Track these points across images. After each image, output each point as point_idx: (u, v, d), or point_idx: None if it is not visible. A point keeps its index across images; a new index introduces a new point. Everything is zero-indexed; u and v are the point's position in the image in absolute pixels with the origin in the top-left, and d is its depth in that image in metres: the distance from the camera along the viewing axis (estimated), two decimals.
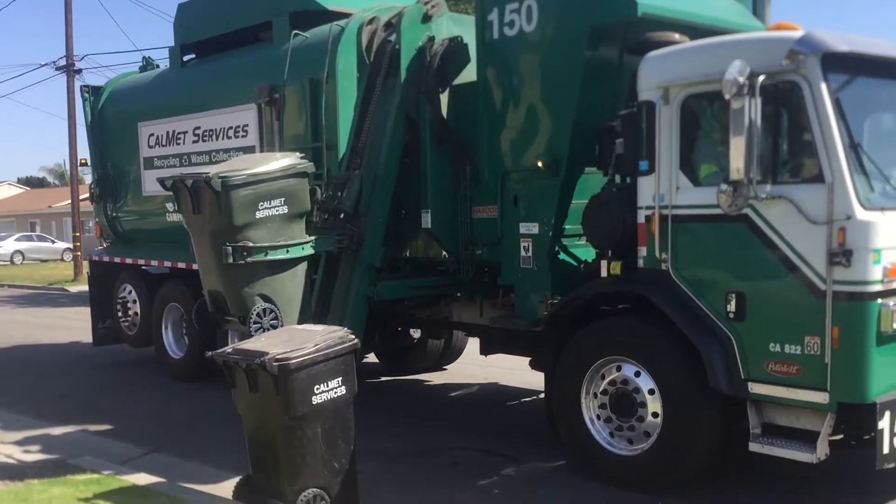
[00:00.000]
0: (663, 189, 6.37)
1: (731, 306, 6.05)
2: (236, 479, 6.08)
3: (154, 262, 11.69)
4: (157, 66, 12.80)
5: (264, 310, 6.83)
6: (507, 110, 7.71)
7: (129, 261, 12.24)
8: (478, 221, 8.09)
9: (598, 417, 6.85)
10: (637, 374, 6.57)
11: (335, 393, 5.72)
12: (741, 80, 5.65)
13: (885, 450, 5.61)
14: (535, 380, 8.14)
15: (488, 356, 9.12)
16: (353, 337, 5.96)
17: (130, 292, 12.35)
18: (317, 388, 5.62)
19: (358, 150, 8.30)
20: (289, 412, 5.54)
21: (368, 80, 8.33)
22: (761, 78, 5.67)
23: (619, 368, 6.68)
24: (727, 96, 5.69)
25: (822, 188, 5.60)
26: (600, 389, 6.80)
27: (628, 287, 6.64)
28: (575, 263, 7.68)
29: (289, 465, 5.66)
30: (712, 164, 6.31)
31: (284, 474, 5.67)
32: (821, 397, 5.68)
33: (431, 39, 8.31)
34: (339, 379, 5.75)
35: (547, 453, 7.60)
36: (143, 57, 13.20)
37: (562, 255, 7.63)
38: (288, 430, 5.60)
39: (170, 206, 11.35)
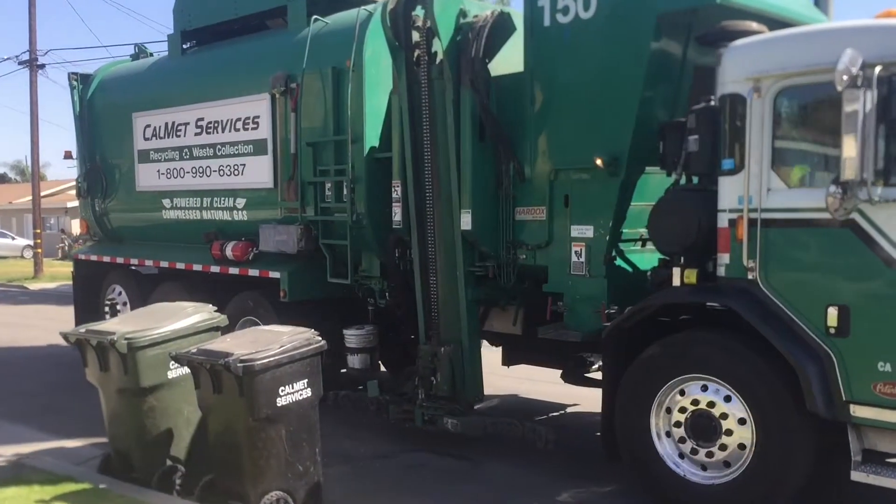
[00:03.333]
0: (752, 190, 5.68)
1: (833, 320, 5.35)
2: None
3: (149, 262, 10.75)
4: (151, 55, 11.89)
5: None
6: (560, 103, 6.93)
7: (120, 260, 11.28)
8: (521, 224, 7.30)
9: (668, 435, 6.13)
10: (728, 399, 5.80)
11: (300, 395, 5.70)
12: (854, 70, 4.99)
13: None
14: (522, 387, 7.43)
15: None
16: (320, 339, 5.90)
17: (120, 294, 11.38)
18: (282, 390, 5.58)
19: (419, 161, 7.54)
20: (253, 414, 5.48)
21: (408, 71, 7.54)
22: (877, 69, 5.01)
23: (704, 388, 5.91)
24: (839, 88, 5.01)
25: None
26: (677, 407, 6.06)
27: (711, 298, 5.91)
28: (630, 270, 7.01)
29: (252, 468, 5.58)
30: (811, 163, 5.63)
31: (248, 476, 5.59)
32: None
33: (465, 15, 7.51)
34: (305, 381, 5.73)
35: (513, 459, 7.43)
36: (135, 45, 12.29)
37: (618, 262, 6.93)
38: (252, 431, 5.54)
39: (166, 202, 10.51)
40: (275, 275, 8.89)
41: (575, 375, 8.21)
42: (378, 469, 7.42)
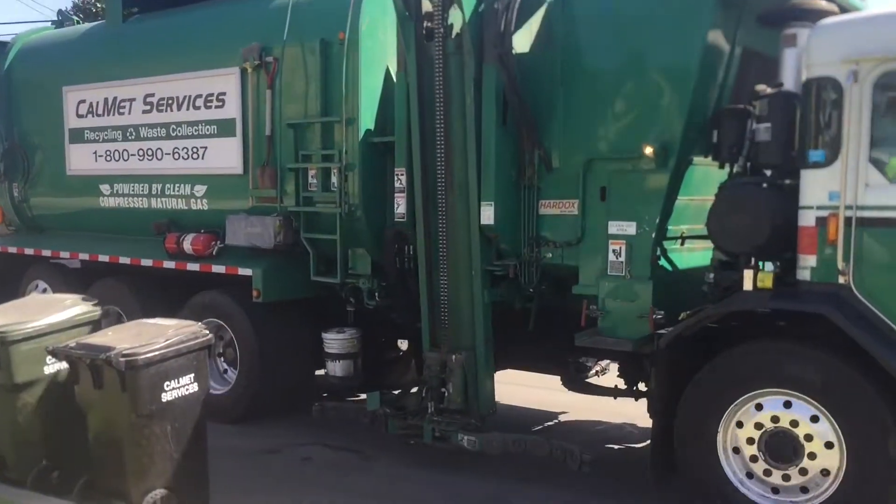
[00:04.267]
0: (847, 185, 5.01)
1: None
2: None
3: (84, 256, 9.33)
4: (79, 22, 10.44)
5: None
6: (597, 85, 6.09)
7: (46, 252, 9.80)
8: (547, 218, 6.41)
9: (737, 451, 5.41)
10: (815, 419, 5.12)
11: (186, 390, 5.50)
12: None
13: None
14: None
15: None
16: (208, 332, 5.72)
17: (45, 290, 9.89)
18: (167, 385, 5.38)
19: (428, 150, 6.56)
20: (136, 410, 5.24)
21: (417, 45, 6.55)
22: None
23: (788, 405, 5.20)
24: None
25: None
26: (752, 422, 5.33)
27: (802, 305, 5.17)
28: (670, 270, 6.26)
29: (135, 465, 5.33)
30: None
31: (130, 474, 5.33)
32: None
33: None
34: (192, 375, 5.52)
35: (405, 453, 7.05)
36: (59, 11, 10.80)
37: (661, 261, 6.18)
38: (135, 428, 5.29)
39: (105, 188, 9.15)
40: (245, 272, 7.73)
41: (577, 382, 7.43)
42: (266, 463, 7.08)
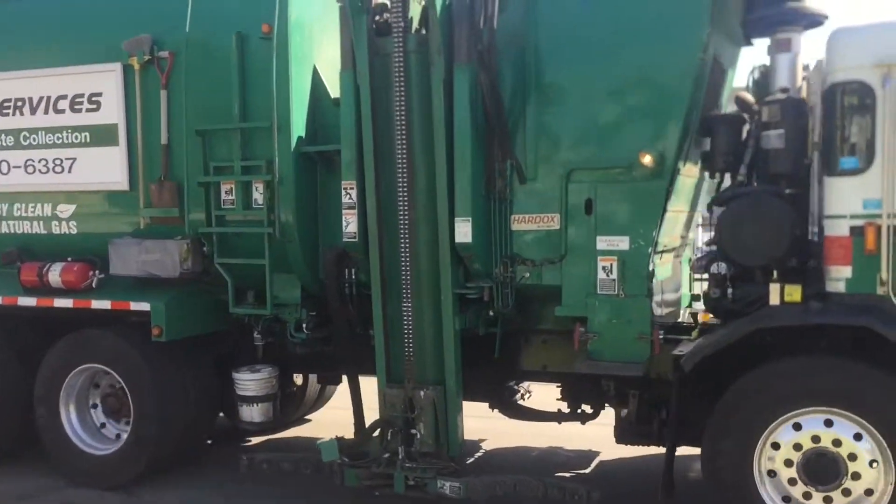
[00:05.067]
0: (882, 193, 4.71)
1: None
2: None
3: None
4: None
5: None
6: (580, 88, 5.47)
7: None
8: (522, 234, 5.69)
9: (772, 475, 4.96)
10: (858, 437, 4.77)
11: None
12: None
13: None
14: None
15: None
16: None
17: None
18: None
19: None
20: None
21: (369, 41, 5.57)
22: None
23: (829, 424, 4.82)
24: None
25: None
26: (791, 443, 4.89)
27: (846, 319, 4.78)
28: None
29: None
30: None
31: None
32: None
33: None
34: None
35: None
36: None
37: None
38: None
39: None
40: (141, 306, 6.30)
41: (514, 408, 6.75)
42: None
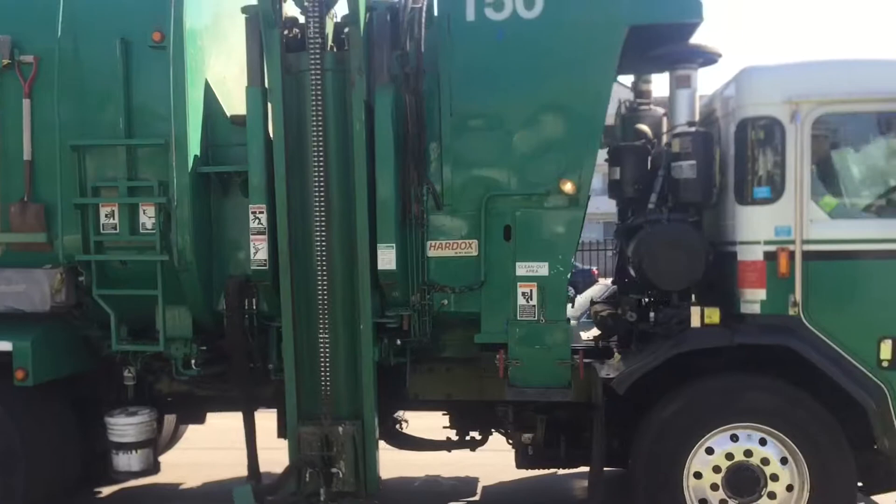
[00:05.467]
0: (793, 220, 5.05)
1: (887, 353, 4.98)
2: None
3: None
4: None
5: None
6: (502, 115, 5.41)
7: None
8: (438, 261, 5.52)
9: (698, 476, 5.11)
10: (762, 443, 5.03)
11: None
12: None
13: None
14: None
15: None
16: None
17: None
18: None
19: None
20: None
21: (282, 56, 5.16)
22: None
23: (734, 439, 5.06)
24: None
25: None
26: (711, 466, 5.09)
27: (766, 339, 5.02)
28: None
29: None
30: (854, 192, 5.19)
31: None
32: None
33: None
34: None
35: None
36: None
37: None
38: None
39: None
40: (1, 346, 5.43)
41: (400, 437, 6.53)
42: None
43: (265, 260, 5.35)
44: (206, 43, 5.66)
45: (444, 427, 6.45)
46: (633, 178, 5.63)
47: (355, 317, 5.37)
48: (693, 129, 5.41)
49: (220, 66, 5.77)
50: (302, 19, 5.39)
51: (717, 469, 5.11)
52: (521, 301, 5.47)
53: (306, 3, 5.22)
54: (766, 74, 5.22)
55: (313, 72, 5.21)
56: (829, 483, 4.99)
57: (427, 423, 6.48)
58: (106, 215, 5.50)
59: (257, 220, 5.36)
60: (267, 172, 5.33)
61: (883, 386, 4.98)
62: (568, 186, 5.31)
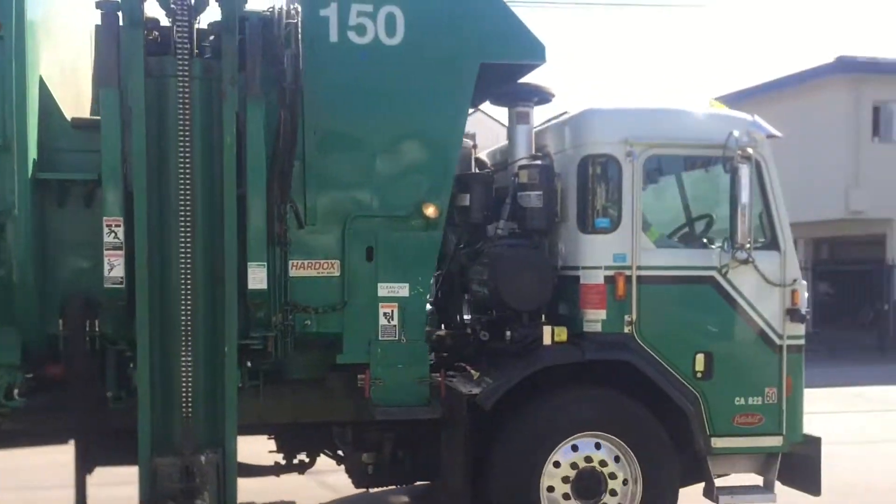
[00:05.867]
0: (628, 248, 5.59)
1: (700, 365, 5.68)
2: None
3: None
4: None
5: None
6: (365, 138, 5.46)
7: None
8: (301, 281, 5.36)
9: (552, 489, 5.46)
10: (598, 447, 5.51)
11: None
12: (740, 151, 5.54)
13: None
14: None
15: None
16: None
17: None
18: None
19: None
20: None
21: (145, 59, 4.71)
22: (750, 150, 5.64)
23: (574, 448, 5.48)
24: (736, 164, 5.49)
25: (778, 255, 5.83)
26: (560, 477, 5.45)
27: (611, 355, 5.50)
28: None
29: None
30: (676, 224, 5.83)
31: None
32: (777, 441, 5.81)
33: None
34: None
35: None
36: None
37: None
38: None
39: None
40: None
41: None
42: None
43: (121, 277, 4.87)
44: (41, 37, 5.07)
45: (270, 451, 6.27)
46: (482, 205, 5.93)
47: (216, 339, 5.09)
48: (539, 161, 5.85)
49: (47, 65, 5.20)
50: (165, 22, 5.05)
51: (565, 479, 5.52)
52: (382, 321, 5.51)
53: (173, 6, 4.90)
54: (607, 116, 5.81)
55: (181, 79, 4.87)
56: (657, 474, 5.59)
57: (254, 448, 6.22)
58: None
59: (113, 234, 4.86)
60: (123, 184, 4.88)
61: (697, 394, 5.72)
62: (430, 210, 5.47)
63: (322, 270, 5.46)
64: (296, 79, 5.04)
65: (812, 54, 65.96)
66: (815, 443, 5.89)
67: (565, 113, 6.28)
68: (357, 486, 6.08)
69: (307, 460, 6.28)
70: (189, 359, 4.96)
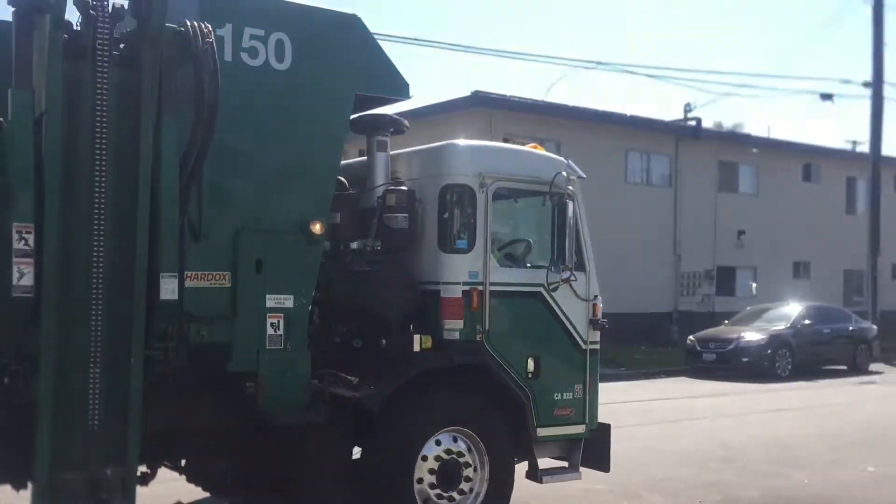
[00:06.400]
0: (481, 266, 6.31)
1: (531, 367, 6.58)
2: None
3: None
4: None
5: None
6: (246, 154, 5.58)
7: None
8: (194, 291, 5.30)
9: (420, 481, 6.03)
10: (455, 440, 6.18)
11: None
12: (566, 188, 6.56)
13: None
14: None
15: None
16: None
17: None
18: None
19: None
20: None
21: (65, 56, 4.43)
22: (570, 188, 6.65)
23: (438, 443, 6.10)
24: (564, 198, 6.49)
25: (584, 275, 6.91)
26: (427, 469, 6.01)
27: (474, 360, 6.18)
28: None
29: None
30: (517, 247, 6.61)
31: None
32: (581, 429, 6.91)
33: None
34: None
35: None
36: None
37: None
38: None
39: None
40: None
41: None
42: None
43: (31, 286, 4.57)
44: None
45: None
46: (351, 224, 6.31)
47: (120, 350, 4.93)
48: (404, 187, 6.37)
49: None
50: (78, 27, 4.82)
51: (431, 471, 6.10)
52: (269, 331, 5.68)
53: (93, 12, 4.73)
54: (465, 150, 6.55)
55: (99, 86, 4.72)
56: (500, 460, 6.39)
57: None
58: None
59: (23, 241, 4.55)
60: (36, 188, 4.59)
61: (528, 391, 6.61)
62: (317, 227, 5.78)
63: (214, 282, 5.49)
64: (214, 95, 5.11)
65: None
66: (605, 429, 7.12)
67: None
68: (217, 495, 6.11)
69: (148, 472, 6.15)
70: (97, 370, 4.78)
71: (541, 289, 6.67)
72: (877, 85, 26.48)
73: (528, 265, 6.93)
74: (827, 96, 27.51)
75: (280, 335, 5.72)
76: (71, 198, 4.75)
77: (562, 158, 7.03)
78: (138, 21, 4.93)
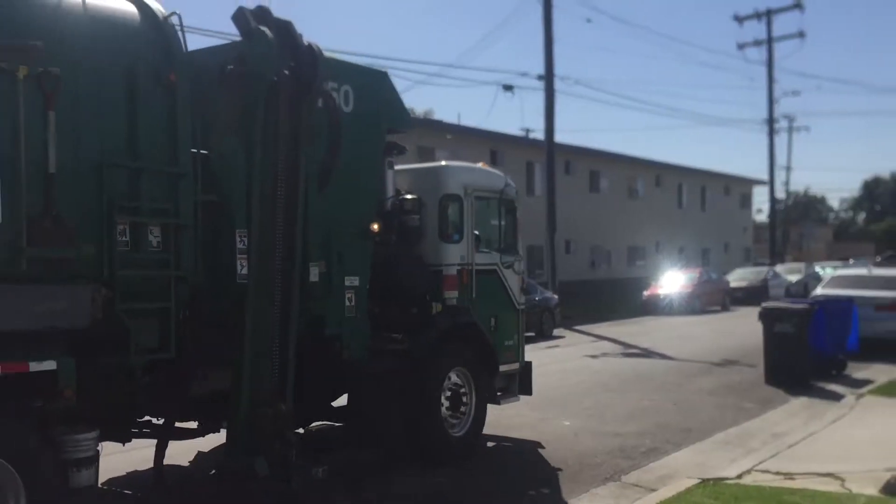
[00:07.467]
0: (466, 253, 8.59)
1: (493, 324, 8.98)
2: None
3: None
4: None
5: None
6: (338, 174, 7.33)
7: None
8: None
9: (445, 419, 8.24)
10: (458, 375, 8.45)
11: None
12: (513, 196, 9.08)
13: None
14: None
15: None
16: None
17: None
18: None
19: None
20: None
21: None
22: (513, 195, 9.16)
23: (449, 378, 8.35)
24: (515, 204, 8.98)
25: (518, 257, 9.44)
26: (445, 396, 8.19)
27: (469, 318, 8.45)
28: None
29: None
30: (486, 238, 8.91)
31: None
32: (517, 366, 9.47)
33: None
34: None
35: None
36: None
37: None
38: None
39: None
40: (43, 366, 4.64)
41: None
42: None
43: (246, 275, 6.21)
44: None
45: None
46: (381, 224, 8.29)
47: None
48: (415, 196, 8.46)
49: None
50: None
51: (446, 398, 8.35)
52: (347, 303, 7.57)
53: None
54: (455, 169, 8.85)
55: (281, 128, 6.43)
56: (481, 388, 8.72)
57: None
58: (121, 232, 5.37)
59: (242, 242, 6.23)
60: (248, 202, 6.28)
61: (493, 340, 9.04)
62: (375, 227, 7.77)
63: (321, 268, 7.33)
64: (338, 134, 6.94)
65: None
66: (529, 365, 9.79)
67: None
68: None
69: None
70: (275, 334, 6.51)
71: (496, 267, 9.16)
72: (548, 78, 27.57)
73: (486, 250, 9.36)
74: (508, 87, 29.33)
75: (353, 306, 7.65)
76: (265, 206, 6.40)
77: (501, 173, 9.55)
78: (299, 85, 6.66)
